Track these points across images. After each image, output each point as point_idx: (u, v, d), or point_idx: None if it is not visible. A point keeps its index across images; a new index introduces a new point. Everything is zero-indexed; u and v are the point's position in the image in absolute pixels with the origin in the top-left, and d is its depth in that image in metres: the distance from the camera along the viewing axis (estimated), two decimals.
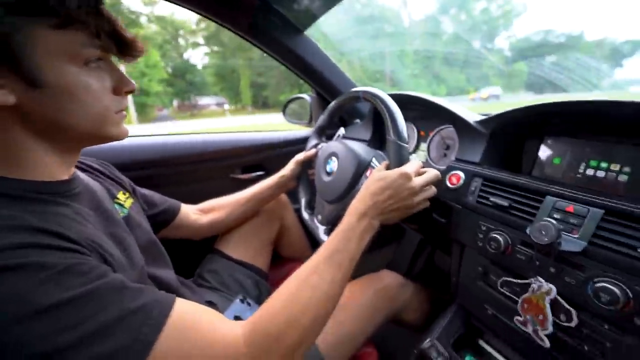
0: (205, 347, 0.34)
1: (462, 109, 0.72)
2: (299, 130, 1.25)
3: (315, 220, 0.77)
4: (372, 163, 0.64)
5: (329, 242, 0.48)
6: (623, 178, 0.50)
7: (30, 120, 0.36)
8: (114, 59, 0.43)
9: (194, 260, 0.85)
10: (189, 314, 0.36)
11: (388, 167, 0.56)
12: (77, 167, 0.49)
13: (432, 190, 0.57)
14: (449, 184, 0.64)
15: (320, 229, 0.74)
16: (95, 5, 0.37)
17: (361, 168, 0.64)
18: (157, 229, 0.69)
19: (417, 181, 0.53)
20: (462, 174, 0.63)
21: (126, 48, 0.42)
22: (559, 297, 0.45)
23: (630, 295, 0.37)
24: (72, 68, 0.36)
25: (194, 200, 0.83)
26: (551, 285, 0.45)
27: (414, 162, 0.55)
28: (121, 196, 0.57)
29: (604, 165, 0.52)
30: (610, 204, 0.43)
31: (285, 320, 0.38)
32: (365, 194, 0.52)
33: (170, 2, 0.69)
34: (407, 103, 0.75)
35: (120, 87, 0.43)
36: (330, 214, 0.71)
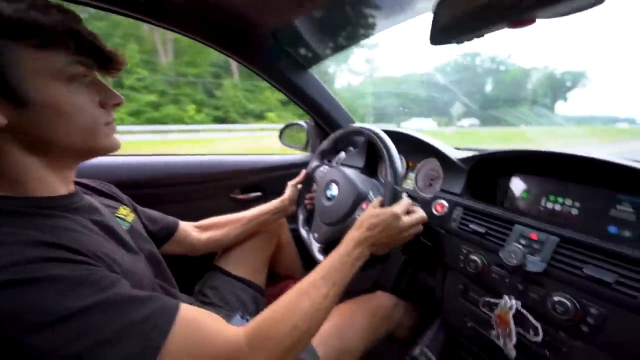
0: (210, 348, 0.37)
1: (446, 146, 0.84)
2: (295, 155, 1.33)
3: (312, 238, 0.83)
4: (368, 196, 0.73)
5: (326, 262, 0.55)
6: (575, 211, 0.62)
7: (23, 139, 0.37)
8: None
9: (192, 277, 0.88)
10: (193, 318, 0.38)
11: (382, 204, 0.64)
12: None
13: (418, 228, 0.65)
14: (434, 212, 0.73)
15: (315, 246, 0.81)
16: (74, 23, 0.38)
17: (359, 199, 0.72)
18: (157, 245, 0.71)
19: (406, 220, 0.61)
20: (446, 203, 0.73)
21: (108, 63, 0.43)
22: (525, 312, 0.54)
23: (578, 306, 0.47)
24: (57, 85, 0.38)
25: (193, 218, 0.87)
26: (513, 302, 0.55)
27: (404, 202, 0.64)
28: (123, 211, 0.60)
29: (560, 199, 0.64)
30: (564, 233, 0.53)
31: (286, 325, 0.44)
32: (361, 226, 0.60)
33: (200, 42, 0.77)
34: (399, 138, 0.86)
35: (107, 101, 0.44)
36: (326, 234, 0.79)
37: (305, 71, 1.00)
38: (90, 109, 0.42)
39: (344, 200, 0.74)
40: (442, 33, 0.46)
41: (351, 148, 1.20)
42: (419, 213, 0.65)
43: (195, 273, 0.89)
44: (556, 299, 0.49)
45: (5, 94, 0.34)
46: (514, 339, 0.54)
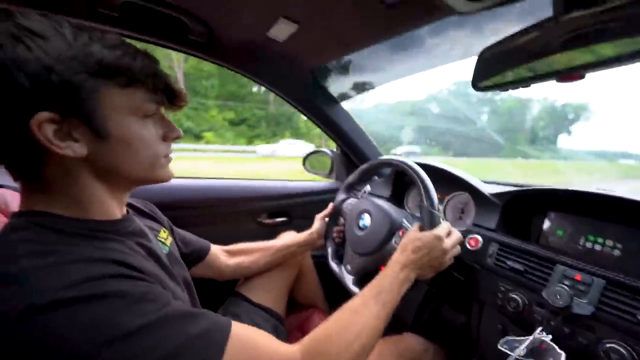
0: None
1: (476, 179, 0.85)
2: (320, 182, 1.36)
3: (344, 270, 0.83)
4: (403, 224, 0.74)
5: (373, 283, 0.55)
6: (616, 252, 0.61)
7: (95, 167, 0.40)
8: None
9: (214, 302, 0.88)
10: (247, 335, 0.39)
11: (422, 229, 0.65)
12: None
13: (458, 249, 0.66)
14: (468, 246, 0.73)
15: (349, 279, 0.80)
16: (153, 65, 0.42)
17: (394, 227, 0.73)
18: (189, 267, 0.72)
19: (448, 242, 0.62)
20: (480, 238, 0.73)
21: (176, 100, 0.47)
22: (552, 343, 0.52)
23: (635, 355, 0.45)
24: (133, 121, 0.41)
25: (221, 240, 0.88)
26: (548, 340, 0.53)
27: (445, 225, 0.64)
28: (163, 234, 0.62)
29: (600, 240, 0.63)
30: (609, 275, 0.52)
31: (340, 344, 0.44)
32: (406, 250, 0.61)
33: (247, 77, 0.85)
34: (427, 170, 0.88)
35: (169, 135, 0.47)
36: (361, 265, 0.78)
37: (337, 104, 1.06)
38: (155, 142, 0.45)
39: (378, 229, 0.75)
40: (486, 79, 0.49)
41: (375, 178, 1.22)
42: (457, 234, 0.66)
43: (217, 298, 0.89)
44: (609, 345, 0.48)
45: (90, 128, 0.38)
46: None
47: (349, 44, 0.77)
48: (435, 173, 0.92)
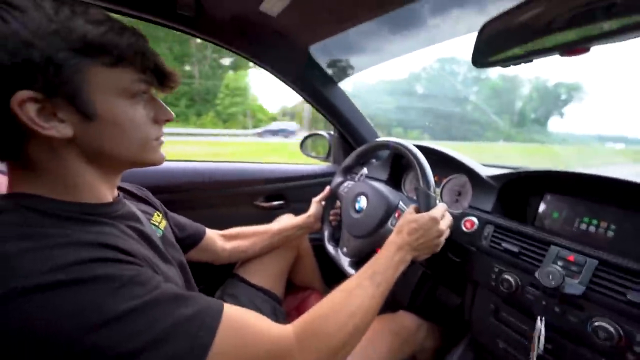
0: (259, 345, 0.38)
1: (474, 162, 0.84)
2: (317, 165, 1.35)
3: (340, 253, 0.84)
4: (399, 206, 0.73)
5: (369, 265, 0.55)
6: (610, 234, 0.61)
7: (83, 149, 0.39)
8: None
9: (213, 284, 0.89)
10: (240, 316, 0.39)
11: (417, 211, 0.65)
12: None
13: (449, 231, 0.66)
14: (464, 228, 0.73)
15: (345, 261, 0.81)
16: (142, 44, 0.40)
17: (390, 209, 0.73)
18: (185, 251, 0.72)
19: (443, 224, 0.62)
20: (476, 220, 0.73)
21: (166, 81, 0.45)
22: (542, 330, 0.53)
23: (622, 333, 0.46)
24: (121, 102, 0.40)
25: (218, 224, 0.88)
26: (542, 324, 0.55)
27: (441, 207, 0.64)
28: (156, 217, 0.62)
29: (594, 222, 0.63)
30: (602, 256, 0.53)
31: (334, 324, 0.44)
32: (401, 231, 0.61)
33: (240, 55, 0.81)
34: (425, 152, 0.87)
35: (160, 117, 0.46)
36: (357, 247, 0.79)
37: (335, 85, 1.03)
38: (146, 124, 0.44)
39: (375, 212, 0.75)
40: (487, 55, 0.47)
41: (373, 161, 1.21)
42: (449, 216, 0.66)
43: (215, 280, 0.90)
44: (597, 323, 0.48)
45: (76, 108, 0.36)
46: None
47: (346, 19, 0.73)
48: (433, 155, 0.91)
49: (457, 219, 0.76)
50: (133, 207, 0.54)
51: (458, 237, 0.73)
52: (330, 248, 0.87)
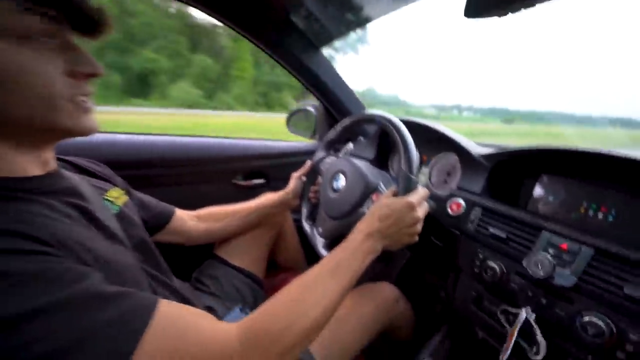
0: (197, 346, 0.33)
1: (466, 140, 0.76)
2: (302, 142, 1.27)
3: (316, 232, 0.78)
4: (379, 187, 0.67)
5: (333, 254, 0.49)
6: (609, 219, 0.55)
7: None
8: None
9: (190, 264, 0.85)
10: (176, 315, 0.34)
11: (395, 194, 0.58)
12: (63, 166, 0.47)
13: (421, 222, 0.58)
14: (450, 211, 0.67)
15: (320, 242, 0.76)
16: None
17: (368, 190, 0.66)
18: (151, 233, 0.67)
19: (420, 211, 0.55)
20: (463, 202, 0.66)
21: (83, 20, 0.36)
22: (535, 326, 0.48)
23: (615, 330, 0.41)
24: (13, 48, 0.32)
25: (193, 203, 0.83)
26: (525, 313, 0.49)
27: (420, 192, 0.57)
28: (113, 193, 0.56)
29: (594, 206, 0.57)
30: (599, 244, 0.47)
31: (286, 322, 0.39)
32: (372, 217, 0.54)
33: (201, 10, 0.71)
34: (414, 129, 0.79)
35: (75, 69, 0.37)
36: (332, 228, 0.73)
37: (317, 51, 0.92)
38: (51, 77, 0.35)
39: (352, 192, 0.69)
40: (481, 1, 0.38)
41: (361, 138, 1.13)
42: (428, 204, 0.59)
43: (193, 260, 0.85)
44: (587, 319, 0.43)
45: None
46: (507, 354, 0.49)
47: None
48: (424, 131, 0.83)
49: (442, 201, 0.70)
50: (79, 181, 0.47)
51: (443, 220, 0.67)
52: (306, 227, 0.82)
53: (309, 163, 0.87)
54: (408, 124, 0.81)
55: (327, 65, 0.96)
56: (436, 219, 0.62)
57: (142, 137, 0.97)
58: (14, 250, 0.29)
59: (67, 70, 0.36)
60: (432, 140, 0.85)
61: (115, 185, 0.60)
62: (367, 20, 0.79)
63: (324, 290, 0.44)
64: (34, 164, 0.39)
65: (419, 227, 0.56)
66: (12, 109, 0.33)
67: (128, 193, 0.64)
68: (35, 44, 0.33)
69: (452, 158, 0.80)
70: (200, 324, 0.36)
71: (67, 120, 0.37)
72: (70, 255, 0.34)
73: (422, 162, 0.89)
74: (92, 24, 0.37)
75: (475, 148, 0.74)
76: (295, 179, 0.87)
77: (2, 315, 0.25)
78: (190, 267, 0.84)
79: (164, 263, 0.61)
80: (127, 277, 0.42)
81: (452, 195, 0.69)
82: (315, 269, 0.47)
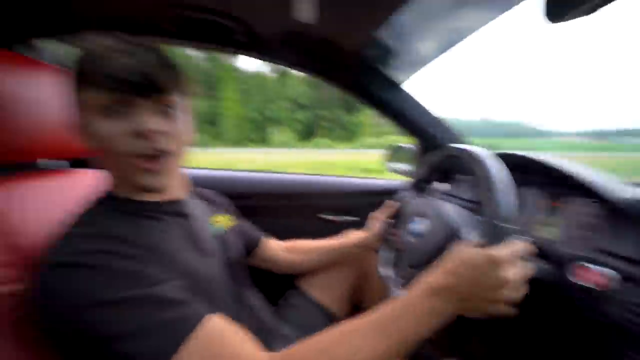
0: None
1: (612, 179, 0.53)
2: (395, 180, 1.20)
3: (393, 279, 0.69)
4: (462, 234, 0.54)
5: (383, 307, 0.41)
6: None
7: None
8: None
9: (274, 291, 0.90)
10: (219, 333, 0.38)
11: (482, 245, 0.43)
12: (195, 192, 0.63)
13: (522, 289, 0.42)
14: (580, 282, 0.46)
15: (395, 291, 0.66)
16: (108, 58, 0.41)
17: (451, 237, 0.55)
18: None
19: (511, 271, 0.40)
20: (608, 273, 0.44)
21: (146, 89, 0.41)
22: None
23: None
24: (98, 118, 0.41)
25: (281, 233, 0.90)
26: None
27: (514, 245, 0.41)
28: (219, 218, 0.65)
29: None
30: None
31: None
32: (443, 269, 0.43)
33: (289, 67, 0.84)
34: (536, 168, 0.61)
35: (138, 129, 0.41)
36: (409, 277, 0.63)
37: (397, 87, 0.90)
38: (121, 138, 0.41)
39: (432, 238, 0.59)
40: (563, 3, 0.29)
41: (459, 176, 0.97)
42: (524, 264, 0.42)
43: (278, 287, 0.90)
44: None
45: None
46: None
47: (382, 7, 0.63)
48: (551, 171, 0.63)
49: (567, 265, 0.49)
50: (194, 206, 0.59)
51: (567, 292, 0.46)
52: (381, 272, 0.74)
53: (391, 203, 0.82)
54: (524, 159, 0.64)
55: (412, 100, 0.91)
56: (559, 291, 0.43)
57: (243, 174, 1.14)
58: (116, 253, 0.39)
59: (133, 131, 0.42)
60: (560, 181, 0.63)
61: (226, 212, 0.71)
62: (450, 45, 0.71)
63: (359, 346, 0.38)
64: (158, 195, 0.51)
65: (510, 293, 0.40)
66: (107, 165, 0.47)
67: (237, 220, 0.74)
68: (114, 114, 0.41)
69: (590, 206, 0.56)
70: (240, 347, 0.39)
71: (137, 177, 0.45)
72: (156, 260, 0.42)
73: (553, 209, 0.66)
74: (150, 90, 0.42)
75: (623, 189, 0.50)
76: (377, 220, 0.83)
77: (101, 298, 0.35)
78: (274, 295, 0.88)
79: (249, 283, 0.68)
80: (210, 287, 0.50)
81: (585, 259, 0.48)
82: (357, 320, 0.41)
